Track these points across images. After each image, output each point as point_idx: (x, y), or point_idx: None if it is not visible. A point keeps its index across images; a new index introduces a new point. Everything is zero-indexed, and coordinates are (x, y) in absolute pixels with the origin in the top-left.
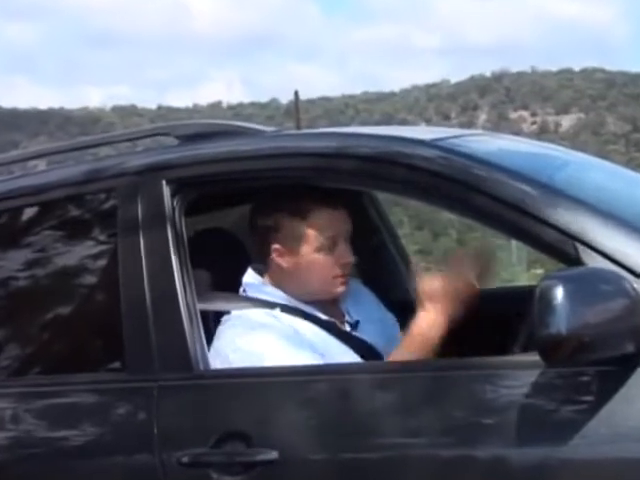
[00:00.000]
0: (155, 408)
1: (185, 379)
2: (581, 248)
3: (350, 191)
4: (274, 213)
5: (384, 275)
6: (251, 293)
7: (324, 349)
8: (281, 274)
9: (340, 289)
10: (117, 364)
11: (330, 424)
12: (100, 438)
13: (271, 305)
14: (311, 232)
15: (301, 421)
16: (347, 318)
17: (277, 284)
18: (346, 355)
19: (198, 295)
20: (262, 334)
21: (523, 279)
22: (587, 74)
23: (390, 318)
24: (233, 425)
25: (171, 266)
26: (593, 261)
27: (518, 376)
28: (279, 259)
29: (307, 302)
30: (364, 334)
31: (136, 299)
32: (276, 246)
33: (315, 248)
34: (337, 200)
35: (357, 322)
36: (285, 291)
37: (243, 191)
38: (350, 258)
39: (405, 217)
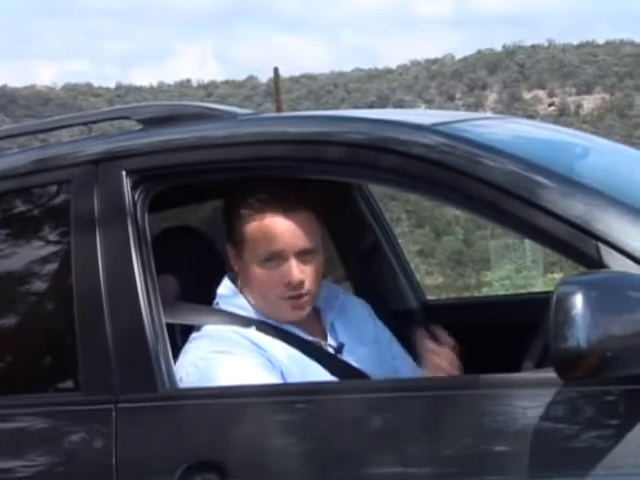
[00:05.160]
0: (114, 433)
1: (149, 400)
2: (604, 249)
3: (334, 185)
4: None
5: (378, 281)
6: (224, 306)
7: (301, 376)
8: (241, 280)
9: (292, 314)
10: (70, 383)
11: (317, 452)
12: (50, 469)
13: (246, 322)
14: (250, 239)
15: (284, 448)
16: (330, 340)
17: (245, 293)
18: None
19: (164, 304)
20: (229, 359)
21: (538, 284)
22: (613, 48)
23: (386, 337)
24: (204, 453)
25: (132, 270)
26: (618, 264)
27: (531, 396)
28: (232, 260)
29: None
30: (353, 357)
31: (92, 308)
32: (228, 244)
33: (253, 257)
34: (296, 201)
35: (341, 345)
36: (254, 303)
37: (215, 184)
38: (296, 278)
39: (403, 213)
